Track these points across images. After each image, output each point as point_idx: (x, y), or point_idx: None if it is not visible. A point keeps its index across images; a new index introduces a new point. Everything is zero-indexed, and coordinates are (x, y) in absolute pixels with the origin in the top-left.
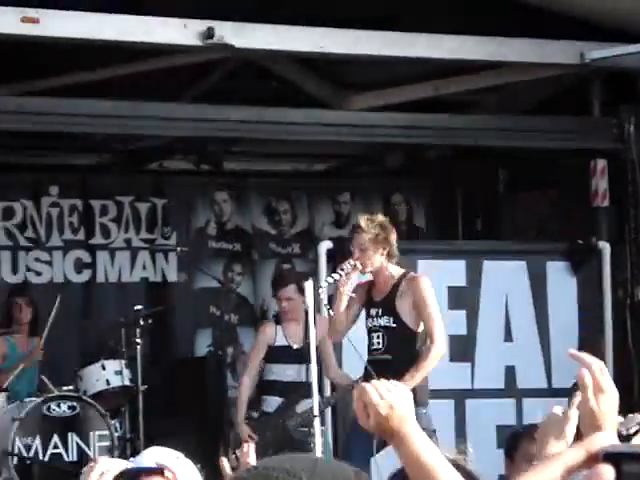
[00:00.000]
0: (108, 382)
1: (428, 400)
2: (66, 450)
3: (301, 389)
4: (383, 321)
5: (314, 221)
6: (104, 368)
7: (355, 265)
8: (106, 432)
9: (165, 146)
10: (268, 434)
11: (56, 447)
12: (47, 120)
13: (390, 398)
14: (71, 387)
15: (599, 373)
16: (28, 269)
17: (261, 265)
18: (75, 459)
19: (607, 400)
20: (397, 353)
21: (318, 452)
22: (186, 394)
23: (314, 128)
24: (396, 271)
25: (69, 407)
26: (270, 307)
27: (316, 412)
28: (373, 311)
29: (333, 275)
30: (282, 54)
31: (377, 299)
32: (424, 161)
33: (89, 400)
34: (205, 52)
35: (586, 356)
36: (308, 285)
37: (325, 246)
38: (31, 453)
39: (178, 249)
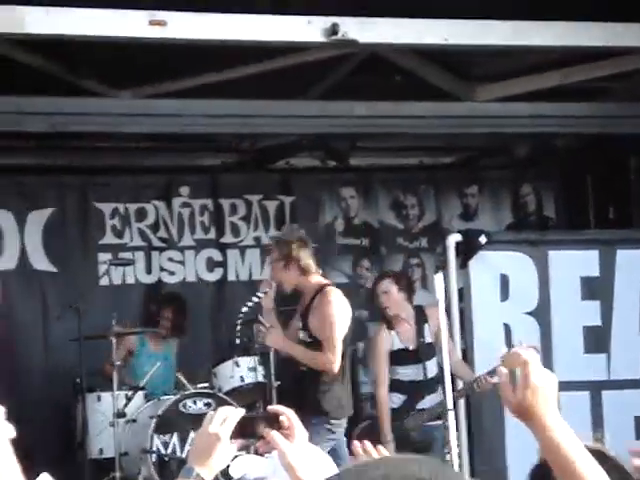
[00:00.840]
0: (242, 379)
1: (339, 417)
2: None
3: (422, 387)
4: (301, 335)
5: (442, 214)
6: (238, 365)
7: (270, 283)
8: None
9: (291, 144)
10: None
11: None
12: (176, 122)
13: (535, 378)
14: (206, 384)
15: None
16: (162, 269)
17: (389, 260)
18: None
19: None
20: (311, 368)
21: (453, 447)
22: None
23: (440, 121)
24: (314, 286)
25: (205, 404)
26: None
27: (450, 406)
28: (298, 324)
29: (253, 299)
30: (406, 47)
31: (300, 313)
32: (552, 150)
33: (224, 397)
34: (329, 48)
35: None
36: (438, 278)
37: (454, 239)
38: (169, 450)
39: None
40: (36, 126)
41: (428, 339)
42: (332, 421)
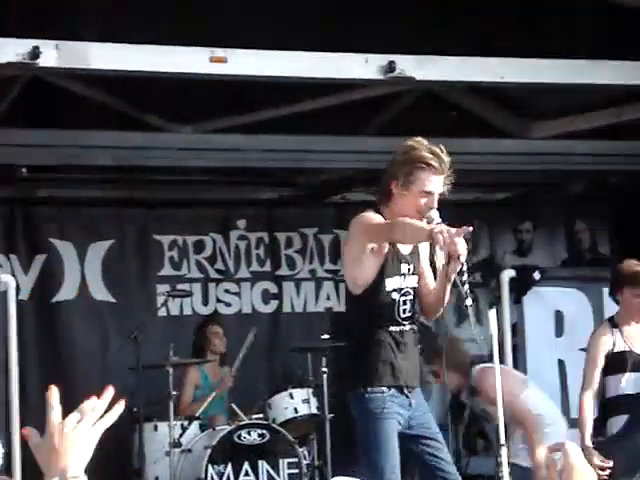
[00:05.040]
0: (296, 410)
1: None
2: (256, 477)
3: None
4: (414, 281)
5: (495, 250)
6: (292, 397)
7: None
8: (295, 460)
9: (348, 178)
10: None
11: (247, 474)
12: (234, 156)
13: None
14: (261, 415)
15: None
16: (218, 300)
17: None
18: None
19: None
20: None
21: None
22: None
23: (495, 157)
24: None
25: (259, 435)
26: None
27: (502, 441)
28: (404, 267)
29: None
30: (462, 85)
31: (405, 252)
32: (607, 188)
33: (278, 428)
34: (386, 85)
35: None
36: (492, 313)
37: (508, 275)
38: None
39: None
40: (99, 160)
41: None
42: None
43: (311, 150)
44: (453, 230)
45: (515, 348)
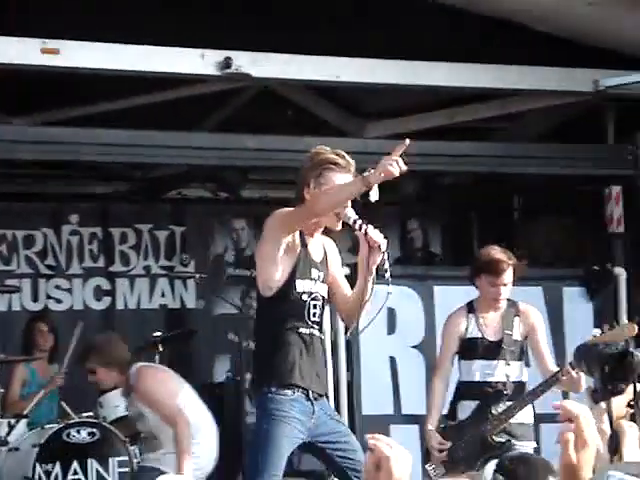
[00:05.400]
0: (127, 408)
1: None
2: (85, 476)
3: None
4: (324, 290)
5: None
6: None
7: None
8: (125, 458)
9: (183, 174)
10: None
11: (76, 473)
12: (67, 149)
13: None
14: (91, 413)
15: (585, 425)
16: (48, 297)
17: None
18: None
19: (588, 453)
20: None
21: None
22: None
23: None
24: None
25: (89, 433)
26: None
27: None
28: (315, 273)
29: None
30: (299, 83)
31: (316, 259)
32: (439, 187)
33: (109, 426)
34: (222, 82)
35: (571, 405)
36: (325, 310)
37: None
38: (51, 479)
39: (197, 276)
40: None
41: None
42: None
43: (147, 145)
44: (387, 157)
45: (348, 345)
